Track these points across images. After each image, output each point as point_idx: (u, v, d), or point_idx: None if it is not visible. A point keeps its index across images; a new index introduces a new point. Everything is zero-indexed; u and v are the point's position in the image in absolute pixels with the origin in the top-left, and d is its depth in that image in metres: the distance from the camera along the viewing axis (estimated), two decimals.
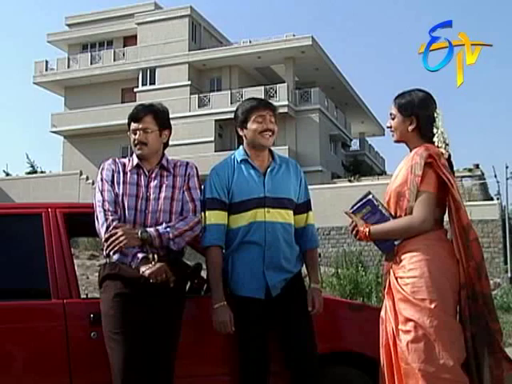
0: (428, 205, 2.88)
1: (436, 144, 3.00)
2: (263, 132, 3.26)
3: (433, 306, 2.79)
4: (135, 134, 3.22)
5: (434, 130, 3.02)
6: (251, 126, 3.27)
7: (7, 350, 3.09)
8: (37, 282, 3.31)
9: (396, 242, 2.95)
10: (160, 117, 3.26)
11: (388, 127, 3.16)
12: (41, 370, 3.12)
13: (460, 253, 2.85)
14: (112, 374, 2.95)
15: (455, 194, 2.88)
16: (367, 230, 2.97)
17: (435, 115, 3.04)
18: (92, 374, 3.14)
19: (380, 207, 2.99)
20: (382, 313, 3.04)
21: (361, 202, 3.01)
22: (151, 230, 3.06)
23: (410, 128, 3.05)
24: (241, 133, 3.33)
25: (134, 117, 3.23)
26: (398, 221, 2.95)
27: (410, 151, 3.07)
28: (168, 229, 3.06)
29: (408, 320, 2.82)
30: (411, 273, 2.86)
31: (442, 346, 2.76)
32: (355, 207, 3.02)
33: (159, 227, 3.07)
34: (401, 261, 2.92)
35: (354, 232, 3.03)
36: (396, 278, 2.92)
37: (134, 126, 3.23)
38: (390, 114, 3.13)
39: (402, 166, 3.04)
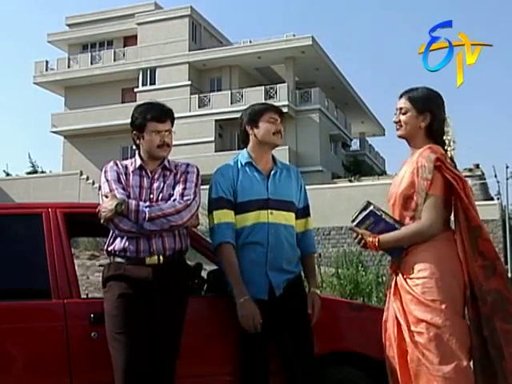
0: (435, 208, 2.88)
1: (447, 144, 2.99)
2: (276, 133, 3.32)
3: (444, 306, 2.79)
4: (159, 135, 3.19)
5: (446, 130, 3.01)
6: (264, 125, 3.31)
7: (7, 350, 3.09)
8: (37, 282, 3.31)
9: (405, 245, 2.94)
10: (174, 118, 3.30)
11: (395, 122, 3.07)
12: (41, 370, 3.12)
13: (464, 252, 2.85)
14: (114, 374, 2.94)
15: (462, 195, 2.86)
16: (376, 240, 2.93)
17: (447, 115, 3.04)
18: (92, 374, 3.14)
19: (383, 216, 2.95)
20: (387, 314, 3.02)
21: (362, 215, 2.97)
22: (133, 202, 3.04)
23: (423, 125, 3.01)
24: (250, 131, 3.34)
25: (161, 118, 3.20)
26: (406, 228, 2.92)
27: (411, 148, 3.05)
28: (148, 208, 3.02)
29: (420, 321, 2.81)
30: (421, 273, 2.85)
31: (454, 346, 2.76)
32: (357, 220, 2.98)
33: (142, 203, 3.05)
34: (410, 262, 2.90)
35: (362, 243, 2.97)
36: (405, 279, 2.91)
37: (159, 127, 3.19)
38: (400, 109, 3.05)
39: (405, 169, 3.01)
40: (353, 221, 3.00)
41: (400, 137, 3.09)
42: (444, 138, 3.01)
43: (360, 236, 2.97)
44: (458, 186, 2.87)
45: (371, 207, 2.97)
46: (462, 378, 2.74)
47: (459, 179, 2.89)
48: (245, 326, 3.05)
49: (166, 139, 3.20)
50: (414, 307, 2.84)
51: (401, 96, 3.09)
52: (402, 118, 3.04)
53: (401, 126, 3.05)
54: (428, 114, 3.00)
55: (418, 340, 2.80)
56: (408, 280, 2.89)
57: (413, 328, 2.83)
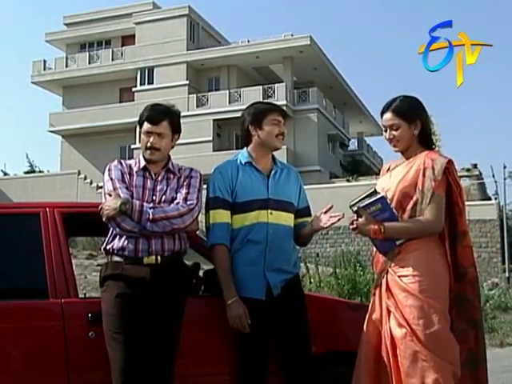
0: (441, 208, 2.93)
1: (435, 143, 3.08)
2: (279, 135, 3.29)
3: (439, 304, 2.85)
4: (149, 137, 3.14)
5: (433, 130, 3.09)
6: (267, 127, 3.27)
7: (5, 350, 3.08)
8: (35, 281, 3.31)
9: (398, 243, 2.95)
10: (175, 122, 3.20)
11: (389, 139, 3.09)
12: (39, 370, 3.12)
13: (446, 255, 2.96)
14: (112, 374, 2.94)
15: (459, 199, 2.97)
16: (382, 227, 2.91)
17: (430, 118, 3.13)
18: (90, 373, 3.14)
19: (391, 205, 2.94)
20: (376, 313, 3.03)
21: (371, 199, 2.93)
22: (137, 203, 3.02)
23: (416, 132, 3.06)
24: (253, 132, 3.30)
25: (152, 119, 3.13)
26: (414, 221, 2.94)
27: (406, 157, 3.09)
28: (152, 210, 3.01)
29: (417, 318, 2.83)
30: (417, 271, 2.88)
31: (451, 341, 2.85)
32: (364, 203, 2.93)
33: (146, 204, 3.04)
34: (404, 260, 2.93)
35: (359, 229, 2.95)
36: (399, 277, 2.92)
37: (149, 128, 3.13)
38: (391, 126, 3.07)
39: (404, 167, 3.05)
40: (354, 204, 2.96)
41: (398, 151, 3.13)
42: (432, 137, 3.11)
43: (363, 220, 2.94)
44: (457, 192, 2.97)
45: (383, 193, 2.95)
46: (459, 373, 2.83)
47: (458, 185, 2.99)
48: (233, 326, 3.07)
49: (154, 141, 3.12)
50: (411, 303, 2.86)
51: (384, 111, 3.11)
52: (396, 133, 3.07)
53: (397, 141, 3.07)
54: (418, 120, 3.06)
55: (416, 337, 2.81)
56: (403, 278, 2.91)
57: (411, 324, 2.84)
